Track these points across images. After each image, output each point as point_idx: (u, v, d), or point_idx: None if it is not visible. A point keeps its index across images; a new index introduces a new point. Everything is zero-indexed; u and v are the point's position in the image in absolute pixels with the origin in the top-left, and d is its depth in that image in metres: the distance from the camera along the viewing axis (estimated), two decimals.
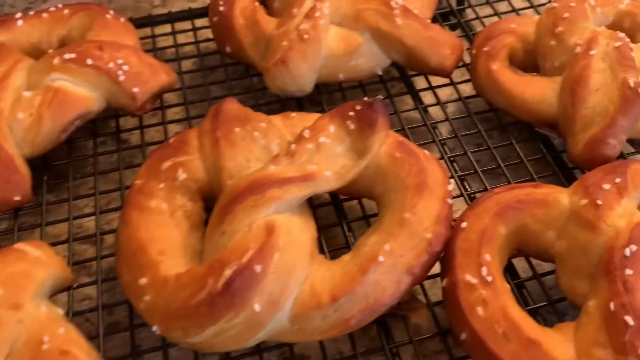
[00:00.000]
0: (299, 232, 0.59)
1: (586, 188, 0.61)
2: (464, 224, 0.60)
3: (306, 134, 0.64)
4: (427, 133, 0.78)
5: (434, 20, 0.90)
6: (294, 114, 0.70)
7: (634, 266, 0.54)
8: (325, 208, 0.71)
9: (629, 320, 0.51)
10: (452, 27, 0.95)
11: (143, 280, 0.57)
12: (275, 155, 0.64)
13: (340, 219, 0.69)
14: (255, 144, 0.66)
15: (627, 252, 0.55)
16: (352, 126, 0.65)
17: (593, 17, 0.79)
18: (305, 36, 0.76)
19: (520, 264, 0.66)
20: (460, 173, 0.74)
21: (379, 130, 0.65)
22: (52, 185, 0.75)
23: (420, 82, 0.85)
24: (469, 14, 0.95)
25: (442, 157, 0.75)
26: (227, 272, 0.54)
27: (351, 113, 0.66)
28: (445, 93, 0.86)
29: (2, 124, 0.67)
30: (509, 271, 0.65)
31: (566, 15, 0.77)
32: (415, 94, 0.83)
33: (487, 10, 0.94)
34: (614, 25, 0.81)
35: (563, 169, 0.74)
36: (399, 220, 0.60)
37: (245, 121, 0.67)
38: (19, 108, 0.70)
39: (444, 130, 0.81)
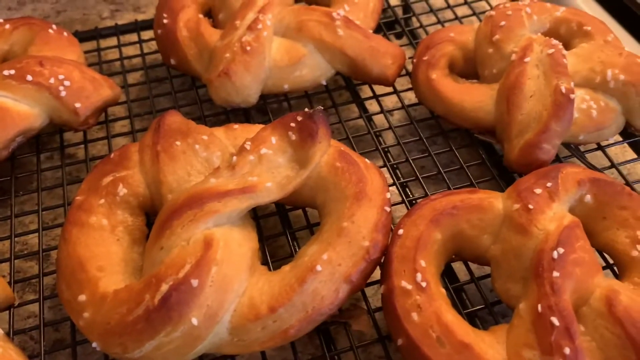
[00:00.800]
0: (238, 245, 0.59)
1: (519, 193, 0.63)
2: (400, 231, 0.62)
3: (247, 145, 0.65)
4: (371, 141, 0.79)
5: (379, 29, 0.92)
6: (236, 126, 0.71)
7: (561, 268, 0.56)
8: (271, 218, 0.72)
9: (555, 321, 0.53)
10: (398, 36, 0.96)
11: (82, 297, 0.57)
12: (216, 168, 0.64)
13: (285, 229, 0.70)
14: (197, 157, 0.66)
15: (555, 254, 0.57)
16: (293, 137, 0.66)
17: (529, 25, 0.81)
18: (248, 48, 0.76)
19: (462, 267, 0.68)
20: (402, 180, 0.75)
21: (320, 141, 0.66)
22: None
23: (365, 91, 0.87)
24: (414, 22, 0.96)
25: (384, 165, 0.76)
26: (164, 287, 0.54)
27: (293, 124, 0.67)
28: (390, 101, 0.87)
29: None
30: (449, 275, 0.67)
31: (503, 23, 0.79)
32: (360, 103, 0.85)
33: (432, 18, 0.96)
34: (551, 32, 0.84)
35: (503, 173, 0.76)
36: (337, 229, 0.61)
37: (187, 134, 0.67)
38: None
39: (388, 138, 0.82)
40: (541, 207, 0.61)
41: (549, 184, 0.63)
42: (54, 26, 0.82)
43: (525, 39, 0.78)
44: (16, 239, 0.71)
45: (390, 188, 0.71)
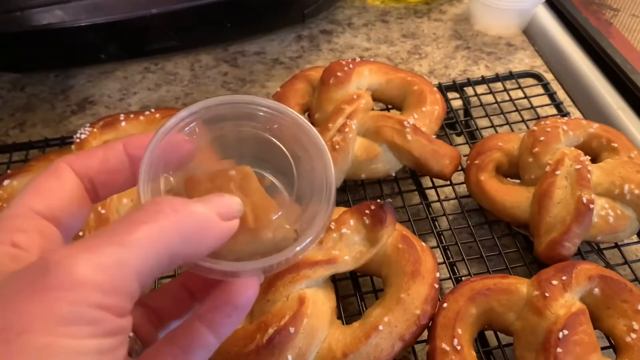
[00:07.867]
0: (322, 303, 0.81)
1: (539, 282, 0.81)
2: (445, 304, 0.81)
3: (332, 225, 0.87)
4: (429, 224, 1.00)
5: (443, 127, 1.13)
6: None
7: (564, 346, 0.74)
8: (345, 281, 0.93)
9: None
10: (457, 134, 1.17)
11: None
12: None
13: (355, 291, 0.91)
14: None
15: (561, 335, 0.75)
16: (367, 221, 0.87)
17: (565, 139, 1.00)
18: (337, 147, 0.99)
19: (492, 335, 0.86)
20: (451, 259, 0.95)
21: (387, 226, 0.87)
22: None
23: (426, 181, 1.07)
24: (472, 124, 1.16)
25: (438, 246, 0.96)
26: (270, 331, 0.76)
27: (367, 211, 0.88)
28: (447, 191, 1.07)
29: (112, 208, 0.92)
30: (481, 340, 0.85)
31: (542, 138, 0.98)
32: (421, 191, 1.05)
33: (486, 122, 1.16)
34: (584, 144, 1.01)
35: (533, 261, 0.94)
36: (396, 298, 0.81)
37: None
38: (123, 195, 0.95)
39: (442, 222, 1.02)
40: (555, 295, 0.79)
41: (564, 277, 0.81)
42: None
43: (559, 152, 0.97)
44: None
45: (441, 265, 0.91)
